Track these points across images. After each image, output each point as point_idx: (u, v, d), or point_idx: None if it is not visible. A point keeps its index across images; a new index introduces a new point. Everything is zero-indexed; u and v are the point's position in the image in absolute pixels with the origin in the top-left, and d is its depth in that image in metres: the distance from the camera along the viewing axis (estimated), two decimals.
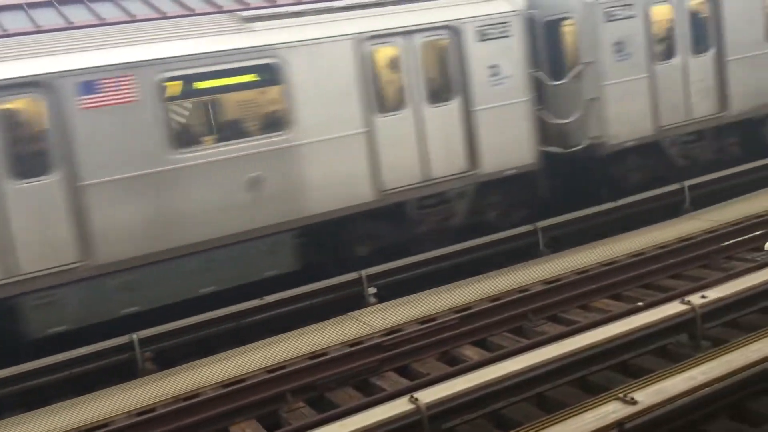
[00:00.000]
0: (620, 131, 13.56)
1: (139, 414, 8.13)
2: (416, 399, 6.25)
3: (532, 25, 13.46)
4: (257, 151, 11.06)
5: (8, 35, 10.63)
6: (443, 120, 12.32)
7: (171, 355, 10.03)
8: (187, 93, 10.97)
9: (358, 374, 8.56)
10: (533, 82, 13.05)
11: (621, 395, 5.96)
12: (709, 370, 6.26)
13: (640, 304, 9.08)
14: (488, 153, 12.57)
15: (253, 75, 11.27)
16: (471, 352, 8.86)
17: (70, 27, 10.91)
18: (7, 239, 9.82)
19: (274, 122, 11.34)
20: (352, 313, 10.37)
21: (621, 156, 13.82)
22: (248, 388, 8.25)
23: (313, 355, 9.04)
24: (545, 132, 13.31)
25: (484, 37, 12.41)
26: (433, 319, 9.61)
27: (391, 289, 11.13)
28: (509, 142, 12.72)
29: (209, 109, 11.30)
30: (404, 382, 8.22)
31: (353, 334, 9.57)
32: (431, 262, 11.71)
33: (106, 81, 10.21)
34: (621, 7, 13.39)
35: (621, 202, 13.23)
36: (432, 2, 12.50)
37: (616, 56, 13.39)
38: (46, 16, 11.29)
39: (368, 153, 11.73)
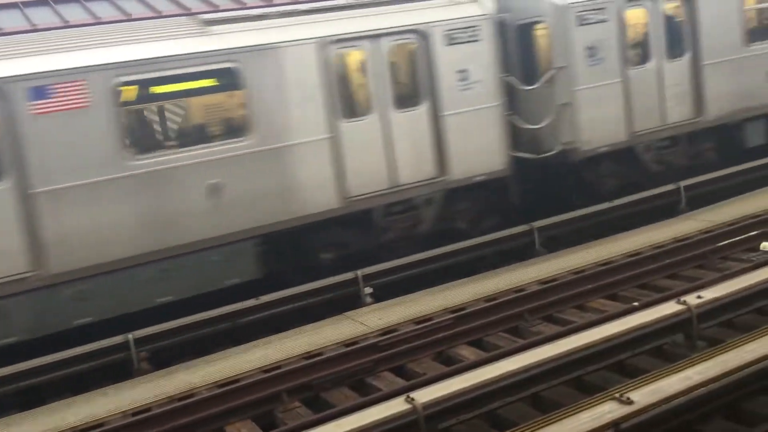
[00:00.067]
0: (593, 137, 13.36)
1: (135, 414, 8.11)
2: (412, 399, 6.25)
3: (503, 28, 13.29)
4: (217, 158, 10.79)
5: None
6: (411, 125, 12.06)
7: (166, 355, 10.01)
8: (144, 98, 10.73)
9: (354, 374, 8.54)
10: (504, 86, 12.80)
11: (617, 395, 5.96)
12: (705, 370, 6.27)
13: (635, 304, 9.09)
14: (457, 159, 12.32)
15: (212, 79, 11.04)
16: (467, 352, 8.85)
17: (30, 30, 10.55)
18: None
19: (235, 128, 11.13)
20: (348, 313, 10.35)
21: (594, 162, 13.65)
22: (244, 388, 8.24)
23: (309, 355, 9.03)
24: (517, 137, 13.10)
25: (452, 41, 12.16)
26: (429, 319, 9.61)
27: (387, 289, 11.12)
28: (479, 148, 12.47)
29: (167, 115, 11.14)
30: (400, 382, 8.22)
31: (349, 334, 9.56)
32: (427, 262, 11.69)
33: (58, 86, 9.93)
34: (594, 11, 13.18)
35: (617, 202, 13.22)
36: (399, 5, 12.20)
37: (589, 61, 13.18)
38: (7, 18, 10.95)
39: (333, 159, 11.48)
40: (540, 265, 11.27)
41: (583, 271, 10.65)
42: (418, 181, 12.20)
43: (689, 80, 14.29)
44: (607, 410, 5.80)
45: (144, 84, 10.57)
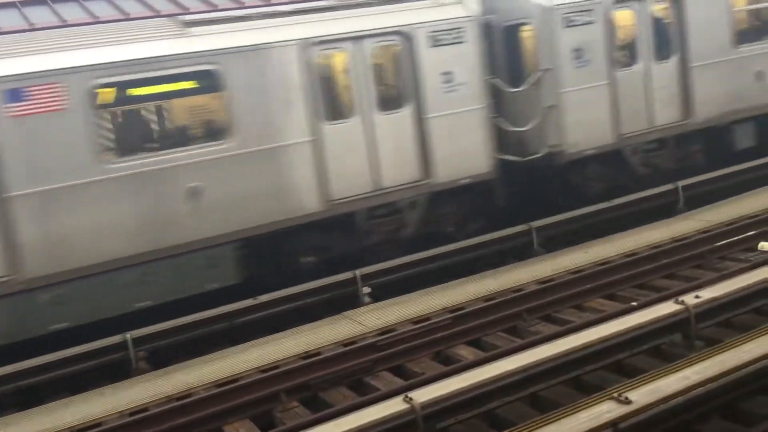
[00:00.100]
0: (579, 139, 13.25)
1: (132, 414, 8.11)
2: (411, 399, 6.25)
3: (489, 30, 13.23)
4: (196, 161, 10.63)
5: None
6: (394, 128, 11.93)
7: (164, 355, 10.01)
8: (121, 100, 10.66)
9: (352, 374, 8.54)
10: (490, 88, 12.67)
11: (615, 395, 5.97)
12: (703, 370, 6.28)
13: (634, 303, 9.09)
14: (442, 162, 12.20)
15: (192, 82, 10.91)
16: (465, 352, 8.85)
17: (6, 32, 10.42)
18: None
19: (215, 130, 11.04)
20: (346, 313, 10.35)
21: (581, 164, 13.54)
22: (242, 388, 8.24)
23: (307, 355, 9.03)
24: (503, 140, 12.99)
25: (436, 42, 12.04)
26: (428, 319, 9.61)
27: (386, 289, 11.12)
28: (464, 151, 12.34)
29: (145, 117, 11.04)
30: (398, 382, 8.21)
31: (347, 333, 9.55)
32: (426, 261, 11.69)
33: (35, 88, 9.79)
34: (580, 13, 13.06)
35: (615, 202, 13.22)
36: (383, 7, 12.05)
37: (576, 63, 13.06)
38: None
39: (315, 162, 11.34)
40: (538, 265, 11.27)
41: (581, 271, 10.66)
42: (402, 184, 12.07)
43: (677, 82, 14.18)
44: (606, 410, 5.81)
45: (122, 86, 10.46)
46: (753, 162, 14.43)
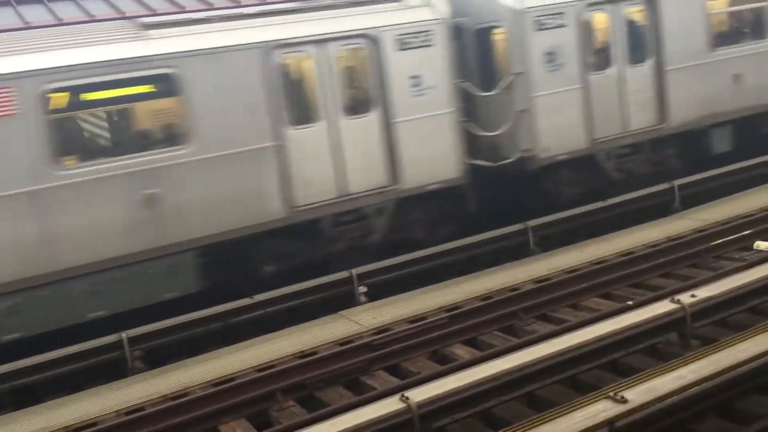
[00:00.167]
0: (552, 144, 13.09)
1: (128, 413, 8.09)
2: (407, 398, 6.25)
3: (460, 33, 13.11)
4: (153, 167, 10.42)
5: None
6: (361, 132, 11.76)
7: (160, 354, 10.00)
8: (75, 105, 10.40)
9: (349, 373, 8.54)
10: (461, 92, 12.54)
11: (611, 394, 5.98)
12: (699, 369, 6.29)
13: (629, 303, 9.10)
14: (410, 167, 12.02)
15: (149, 86, 10.67)
16: (461, 351, 8.86)
17: None
18: None
19: (173, 136, 10.82)
20: (342, 312, 10.35)
21: (553, 170, 13.41)
22: (238, 387, 8.23)
23: (303, 354, 9.03)
24: (474, 145, 12.85)
25: (404, 45, 11.85)
26: (424, 318, 9.61)
27: (382, 288, 11.12)
28: (433, 156, 12.17)
29: (100, 122, 10.86)
30: (395, 381, 8.21)
31: (343, 333, 9.56)
32: (421, 261, 11.69)
33: None
34: (552, 16, 12.90)
35: (611, 201, 13.22)
36: (348, 9, 11.86)
37: (548, 66, 12.89)
38: None
39: (278, 167, 11.14)
40: (534, 264, 11.28)
41: (577, 270, 10.67)
42: (369, 190, 11.91)
43: (652, 86, 14.02)
44: (602, 409, 5.81)
45: (75, 90, 10.25)
46: (749, 161, 14.44)
